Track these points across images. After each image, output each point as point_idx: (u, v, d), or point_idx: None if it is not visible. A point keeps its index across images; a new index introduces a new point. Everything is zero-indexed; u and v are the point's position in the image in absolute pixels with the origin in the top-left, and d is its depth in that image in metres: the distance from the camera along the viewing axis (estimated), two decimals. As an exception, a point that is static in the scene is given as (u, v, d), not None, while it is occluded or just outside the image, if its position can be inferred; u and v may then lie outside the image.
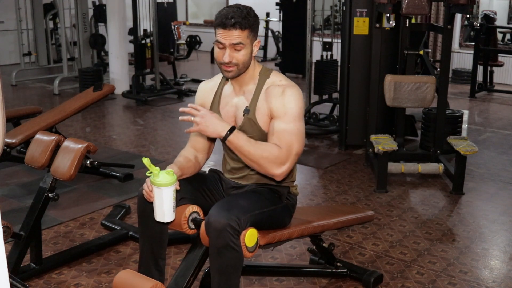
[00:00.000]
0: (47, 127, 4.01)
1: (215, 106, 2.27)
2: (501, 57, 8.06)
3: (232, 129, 2.04)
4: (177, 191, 2.06)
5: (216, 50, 2.12)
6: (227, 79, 2.26)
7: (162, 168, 2.06)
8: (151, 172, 2.01)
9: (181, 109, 2.04)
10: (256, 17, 2.12)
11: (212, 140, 2.34)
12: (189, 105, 2.04)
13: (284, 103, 2.11)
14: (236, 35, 2.05)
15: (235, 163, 2.28)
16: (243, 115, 2.17)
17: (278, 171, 2.09)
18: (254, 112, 2.16)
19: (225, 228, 1.93)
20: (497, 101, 7.53)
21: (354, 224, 2.75)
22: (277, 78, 2.19)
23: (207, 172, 2.42)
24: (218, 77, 2.33)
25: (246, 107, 2.17)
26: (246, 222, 2.00)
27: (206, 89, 2.34)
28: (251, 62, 2.16)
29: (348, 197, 3.94)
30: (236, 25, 2.04)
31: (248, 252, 2.02)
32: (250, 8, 2.12)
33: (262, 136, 2.16)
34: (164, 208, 2.03)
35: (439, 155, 4.41)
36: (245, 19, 2.06)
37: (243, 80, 2.19)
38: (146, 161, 2.00)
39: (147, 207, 2.15)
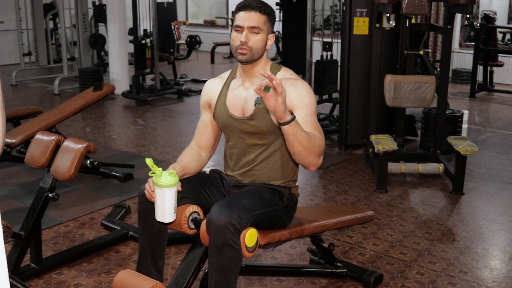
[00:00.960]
0: (47, 127, 4.01)
1: (222, 99, 2.28)
2: (501, 57, 8.06)
3: (294, 116, 1.97)
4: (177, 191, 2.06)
5: (234, 34, 2.17)
6: (234, 74, 2.30)
7: (165, 167, 2.06)
8: (153, 173, 2.01)
9: (262, 72, 1.87)
10: (274, 11, 2.23)
11: (216, 137, 2.36)
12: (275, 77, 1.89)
13: (301, 95, 2.14)
14: (255, 18, 2.13)
15: (240, 157, 2.28)
16: (255, 104, 2.17)
17: (320, 160, 2.11)
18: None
19: (226, 226, 1.93)
20: (497, 101, 7.53)
21: (354, 224, 2.75)
22: (287, 73, 2.25)
23: (208, 172, 2.42)
24: (225, 74, 2.36)
25: (258, 96, 2.14)
26: (247, 222, 2.01)
27: (212, 86, 2.35)
28: (264, 53, 2.20)
29: (348, 197, 3.94)
30: (257, 8, 2.14)
31: (248, 252, 2.02)
32: (270, 5, 2.24)
33: (271, 128, 2.17)
34: (165, 209, 2.03)
35: (439, 155, 4.41)
36: (265, 6, 2.17)
37: (254, 72, 2.22)
38: (149, 161, 2.00)
39: (147, 206, 2.16)
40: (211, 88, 2.35)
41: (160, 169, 2.00)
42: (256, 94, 2.15)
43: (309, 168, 2.11)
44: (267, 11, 2.17)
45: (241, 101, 2.23)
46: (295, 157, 2.06)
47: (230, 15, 11.63)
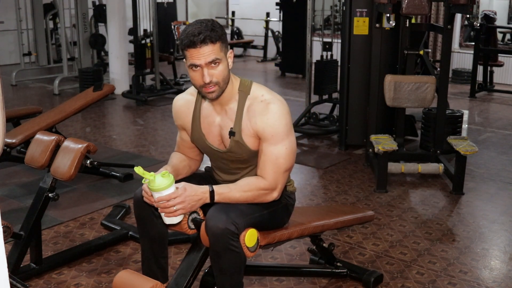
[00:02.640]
0: (47, 127, 4.01)
1: (196, 127, 2.17)
2: (501, 57, 8.06)
3: (212, 191, 2.00)
4: None
5: (192, 74, 1.98)
6: (203, 97, 2.15)
7: (155, 170, 2.04)
8: (146, 180, 1.98)
9: (156, 205, 1.97)
10: (222, 28, 1.99)
11: (200, 151, 2.31)
12: (158, 200, 1.95)
13: (269, 123, 2.02)
14: (209, 51, 1.92)
15: (225, 174, 2.26)
16: (229, 137, 2.11)
17: (273, 196, 2.10)
18: (240, 134, 2.07)
19: (223, 232, 1.92)
20: (497, 101, 7.53)
21: (354, 224, 2.75)
22: (259, 93, 2.07)
23: (203, 170, 2.42)
24: (193, 93, 2.20)
25: (231, 128, 2.08)
26: (245, 225, 1.99)
27: (181, 109, 2.22)
28: (229, 77, 2.05)
29: (348, 197, 3.94)
30: (206, 39, 1.91)
31: (249, 252, 2.02)
32: (213, 20, 2.00)
33: (251, 154, 2.12)
34: None
35: (439, 155, 4.41)
36: (213, 31, 1.93)
37: (223, 98, 2.07)
38: (138, 169, 1.93)
39: (143, 211, 2.15)
40: (181, 112, 2.22)
41: (152, 173, 1.95)
42: (228, 122, 2.09)
43: None
44: (217, 36, 1.94)
45: (217, 128, 2.14)
46: None
47: (230, 15, 11.64)
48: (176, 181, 2.03)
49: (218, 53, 1.95)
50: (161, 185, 1.94)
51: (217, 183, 2.28)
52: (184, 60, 2.03)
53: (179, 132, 2.29)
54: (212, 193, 2.00)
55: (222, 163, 2.22)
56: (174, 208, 1.95)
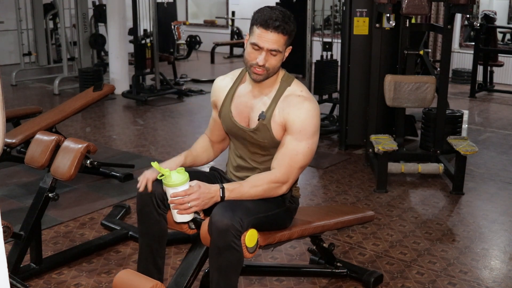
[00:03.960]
0: (47, 127, 4.01)
1: (227, 104, 2.25)
2: (501, 57, 8.06)
3: (223, 189, 2.02)
4: None
5: (250, 50, 2.07)
6: (243, 78, 2.24)
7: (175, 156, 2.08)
8: (162, 175, 2.01)
9: (169, 201, 2.00)
10: (295, 24, 2.09)
11: (226, 133, 2.37)
12: (172, 196, 1.98)
13: (301, 118, 2.09)
14: (275, 40, 2.02)
15: (242, 161, 2.29)
16: (258, 119, 2.15)
17: (283, 190, 2.13)
18: (270, 119, 2.13)
19: (228, 228, 1.93)
20: (497, 101, 7.53)
21: (354, 224, 2.75)
22: (298, 88, 2.16)
23: (207, 171, 2.42)
24: (234, 74, 2.29)
25: (263, 111, 2.14)
26: (249, 224, 2.01)
27: (220, 87, 2.30)
28: (279, 68, 2.14)
29: (348, 197, 3.94)
30: (279, 28, 2.01)
31: (248, 252, 2.02)
32: (292, 16, 2.09)
33: (273, 143, 2.16)
34: None
35: (439, 155, 4.41)
36: (287, 24, 2.03)
37: (265, 83, 2.15)
38: (155, 164, 2.00)
39: (146, 207, 2.16)
40: (219, 88, 2.30)
41: (168, 169, 2.00)
42: (261, 107, 2.15)
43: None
44: (289, 30, 2.04)
45: (247, 109, 2.20)
46: None
47: (230, 15, 11.63)
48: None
49: (281, 45, 2.05)
50: (176, 181, 1.98)
51: (225, 180, 2.33)
52: (246, 35, 2.12)
53: (213, 111, 2.37)
54: (222, 189, 2.03)
55: (242, 144, 2.26)
56: (189, 205, 1.98)
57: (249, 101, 2.20)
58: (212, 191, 2.01)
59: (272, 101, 2.14)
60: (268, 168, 2.18)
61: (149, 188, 2.12)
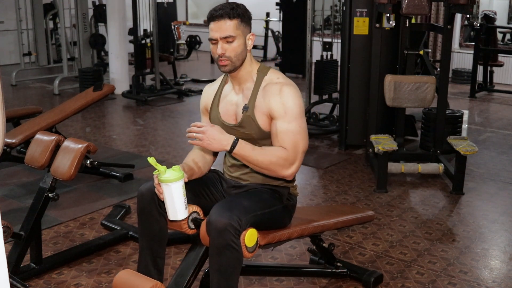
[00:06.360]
0: (47, 127, 4.01)
1: (215, 105, 2.30)
2: (501, 57, 8.06)
3: (236, 141, 2.06)
4: None
5: (211, 47, 2.16)
6: (226, 79, 2.31)
7: (167, 166, 2.07)
8: (158, 171, 2.02)
9: (188, 130, 2.07)
10: (246, 10, 2.16)
11: None
12: (192, 124, 2.07)
13: (283, 102, 2.13)
14: (225, 27, 2.09)
15: (236, 160, 2.29)
16: (242, 112, 2.19)
17: (288, 172, 2.13)
18: (253, 110, 2.18)
19: (226, 227, 1.93)
20: (497, 101, 7.53)
21: (354, 224, 2.75)
22: (274, 76, 2.21)
23: (207, 173, 2.43)
24: (220, 79, 2.38)
25: (246, 104, 2.19)
26: (247, 223, 2.01)
27: (208, 92, 2.38)
28: (246, 56, 2.17)
29: (348, 197, 3.94)
30: (224, 15, 2.09)
31: (248, 252, 2.02)
32: (242, 4, 2.16)
33: (261, 134, 2.18)
34: (176, 206, 2.04)
35: (439, 155, 4.41)
36: (232, 10, 2.10)
37: (241, 77, 2.21)
38: (151, 160, 2.01)
39: (146, 205, 2.16)
40: (208, 94, 2.37)
41: (164, 166, 2.02)
42: (244, 100, 2.20)
43: (284, 178, 2.19)
44: (236, 14, 2.11)
45: (233, 107, 2.25)
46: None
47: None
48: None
49: (233, 30, 2.11)
50: (170, 177, 2.00)
51: (224, 181, 2.34)
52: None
53: (202, 118, 2.41)
54: (236, 141, 2.05)
55: None
56: (194, 135, 2.03)
57: (233, 99, 2.26)
58: (224, 135, 2.06)
59: (252, 93, 2.20)
60: None
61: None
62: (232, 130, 2.21)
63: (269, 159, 2.09)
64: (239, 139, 2.08)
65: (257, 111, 2.17)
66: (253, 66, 2.23)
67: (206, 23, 2.25)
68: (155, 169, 2.02)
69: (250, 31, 2.18)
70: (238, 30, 2.11)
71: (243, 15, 2.13)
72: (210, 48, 2.18)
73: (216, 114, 2.28)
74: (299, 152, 2.14)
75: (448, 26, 4.28)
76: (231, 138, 2.06)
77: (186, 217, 2.09)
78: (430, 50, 8.37)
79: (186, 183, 2.10)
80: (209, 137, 2.04)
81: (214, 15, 2.10)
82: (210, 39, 2.14)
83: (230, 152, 2.08)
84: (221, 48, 2.11)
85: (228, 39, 2.10)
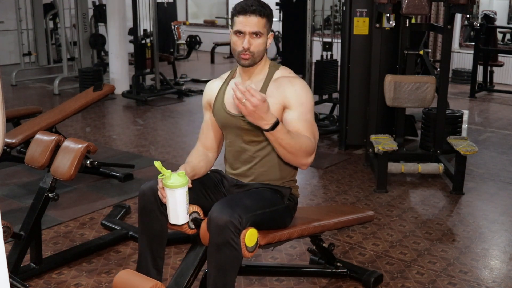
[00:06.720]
0: (47, 127, 4.01)
1: (219, 98, 2.30)
2: (501, 57, 8.06)
3: (277, 123, 1.97)
4: None
5: (234, 39, 2.18)
6: (234, 74, 2.34)
7: (166, 166, 2.07)
8: (163, 175, 2.02)
9: (233, 88, 1.94)
10: (271, 10, 2.22)
11: (220, 136, 2.38)
12: (247, 87, 1.93)
13: (298, 93, 2.17)
14: (255, 22, 2.13)
15: (238, 154, 2.30)
16: None
17: (309, 160, 2.14)
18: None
19: (227, 225, 1.93)
20: (497, 101, 7.53)
21: (354, 224, 2.75)
22: (286, 71, 2.27)
23: (208, 173, 2.43)
24: (224, 75, 2.39)
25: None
26: (248, 221, 2.01)
27: (212, 87, 2.39)
28: (264, 53, 2.23)
29: (348, 197, 3.94)
30: (256, 11, 2.13)
31: (248, 252, 2.02)
32: (266, 3, 2.22)
33: None
34: (178, 210, 2.04)
35: (439, 155, 4.41)
36: (264, 7, 2.16)
37: (254, 71, 2.25)
38: (157, 164, 2.01)
39: (147, 204, 2.16)
40: (211, 89, 2.38)
41: (169, 171, 2.02)
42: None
43: (299, 167, 2.19)
44: (266, 13, 2.17)
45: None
46: (282, 158, 2.13)
47: (230, 15, 11.63)
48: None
49: (262, 27, 2.16)
50: (174, 183, 2.00)
51: (225, 181, 2.35)
52: (230, 27, 2.24)
53: (204, 114, 2.40)
54: (277, 122, 1.97)
55: (237, 134, 2.26)
56: (244, 100, 1.90)
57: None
58: (269, 116, 1.94)
59: (263, 84, 2.23)
60: (265, 158, 2.24)
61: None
62: (238, 119, 2.21)
63: (300, 145, 2.06)
64: (280, 123, 2.00)
65: (269, 100, 2.07)
66: (266, 62, 2.28)
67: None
68: (157, 169, 2.02)
69: (271, 31, 2.25)
70: (265, 28, 2.17)
71: (270, 15, 2.20)
72: (232, 42, 2.19)
73: (221, 106, 2.29)
74: (316, 143, 2.18)
75: (448, 26, 4.28)
76: (273, 119, 1.96)
77: (187, 222, 2.09)
78: (430, 50, 8.37)
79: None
80: (261, 108, 1.91)
81: (247, 10, 2.13)
82: (238, 32, 2.16)
83: (266, 130, 1.98)
84: (248, 42, 2.15)
85: (255, 35, 2.15)
